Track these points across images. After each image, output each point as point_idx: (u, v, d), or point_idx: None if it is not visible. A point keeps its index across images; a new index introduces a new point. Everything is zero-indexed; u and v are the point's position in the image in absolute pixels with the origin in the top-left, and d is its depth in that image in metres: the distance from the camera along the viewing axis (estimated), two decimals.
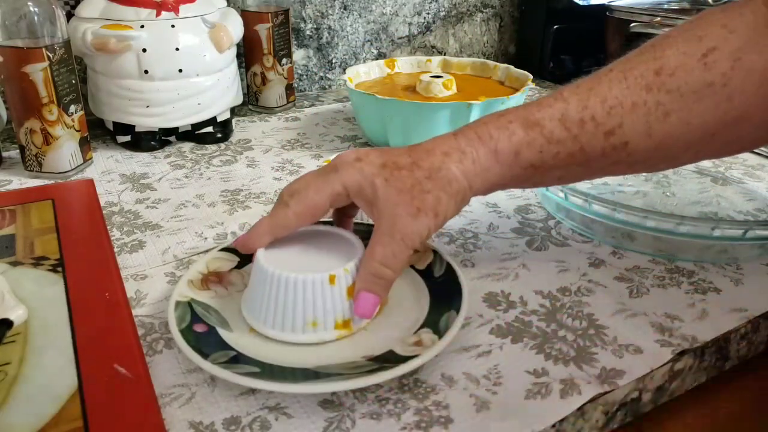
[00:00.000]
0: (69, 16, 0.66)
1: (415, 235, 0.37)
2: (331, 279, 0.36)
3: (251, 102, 0.84)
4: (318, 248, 0.40)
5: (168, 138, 0.71)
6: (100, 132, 0.72)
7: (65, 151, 0.60)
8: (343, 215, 0.44)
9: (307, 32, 0.90)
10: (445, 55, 1.04)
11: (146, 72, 0.64)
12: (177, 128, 0.70)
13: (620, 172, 0.42)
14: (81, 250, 0.48)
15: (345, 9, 0.92)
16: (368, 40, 0.96)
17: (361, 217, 0.53)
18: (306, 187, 0.39)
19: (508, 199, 0.58)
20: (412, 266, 0.44)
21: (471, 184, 0.39)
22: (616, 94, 0.38)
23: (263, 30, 0.78)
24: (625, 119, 0.38)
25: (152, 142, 0.69)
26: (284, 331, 0.37)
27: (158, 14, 0.64)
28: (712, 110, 0.37)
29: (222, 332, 0.38)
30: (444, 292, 0.40)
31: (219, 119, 0.71)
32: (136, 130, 0.68)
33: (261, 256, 0.38)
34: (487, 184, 0.39)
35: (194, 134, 0.71)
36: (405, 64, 0.80)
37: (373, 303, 0.37)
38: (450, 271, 0.42)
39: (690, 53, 0.37)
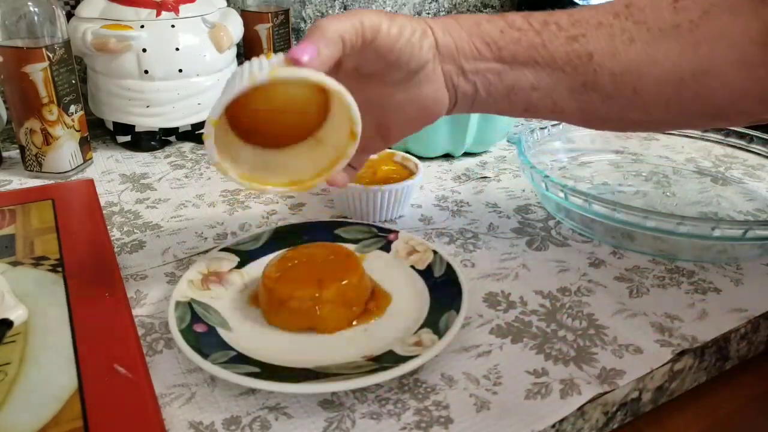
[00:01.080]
0: (69, 16, 0.66)
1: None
2: (269, 55, 0.37)
3: None
4: None
5: (168, 138, 0.71)
6: (100, 132, 0.72)
7: (65, 151, 0.60)
8: None
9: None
10: None
11: (146, 72, 0.64)
12: (177, 128, 0.70)
13: (595, 108, 0.40)
14: (81, 250, 0.48)
15: (345, 9, 0.92)
16: None
17: (363, 216, 0.53)
18: None
19: (508, 199, 0.58)
20: (412, 266, 0.44)
21: (430, 25, 0.39)
22: (584, 14, 0.39)
23: (263, 30, 0.78)
24: (590, 32, 0.38)
25: (152, 142, 0.69)
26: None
27: (158, 14, 0.64)
28: (678, 52, 0.37)
29: (222, 332, 0.38)
30: (444, 292, 0.40)
31: None
32: (136, 130, 0.68)
33: None
34: (448, 36, 0.39)
35: (194, 134, 0.71)
36: None
37: (304, 45, 0.35)
38: (450, 271, 0.42)
39: None
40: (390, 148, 0.52)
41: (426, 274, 0.43)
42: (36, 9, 0.57)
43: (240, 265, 0.44)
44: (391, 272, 0.44)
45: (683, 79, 0.38)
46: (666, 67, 0.38)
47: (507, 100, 0.41)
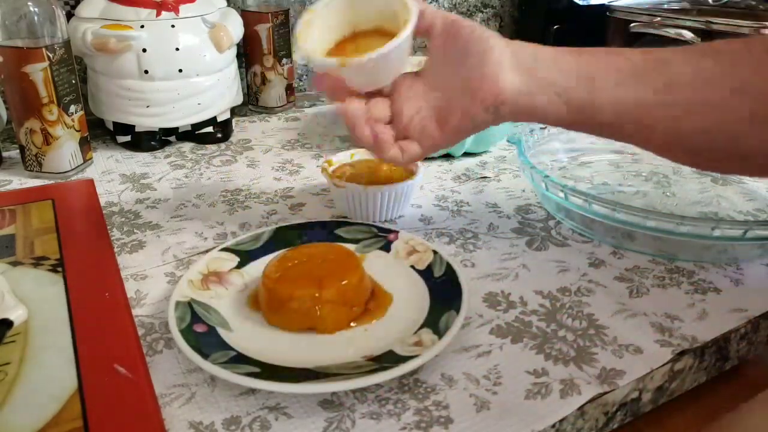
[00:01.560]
0: (69, 16, 0.66)
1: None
2: None
3: (251, 102, 0.84)
4: None
5: (168, 138, 0.71)
6: (100, 132, 0.72)
7: (65, 151, 0.60)
8: None
9: None
10: None
11: (146, 72, 0.64)
12: (177, 128, 0.70)
13: (679, 124, 0.40)
14: (81, 250, 0.48)
15: None
16: None
17: (364, 216, 0.53)
18: None
19: (508, 199, 0.58)
20: (412, 266, 0.44)
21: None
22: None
23: (263, 30, 0.78)
24: (656, 51, 0.41)
25: (152, 142, 0.69)
26: None
27: (158, 14, 0.64)
28: (711, 68, 0.39)
29: (222, 332, 0.38)
30: (444, 292, 0.40)
31: (219, 119, 0.72)
32: (136, 130, 0.68)
33: None
34: (514, 45, 0.42)
35: (194, 134, 0.71)
36: None
37: None
38: (450, 271, 0.42)
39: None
40: None
41: (426, 274, 0.43)
42: (36, 9, 0.57)
43: (240, 265, 0.44)
44: (391, 272, 0.44)
45: (721, 100, 0.38)
46: (706, 81, 0.39)
47: (590, 96, 0.40)
